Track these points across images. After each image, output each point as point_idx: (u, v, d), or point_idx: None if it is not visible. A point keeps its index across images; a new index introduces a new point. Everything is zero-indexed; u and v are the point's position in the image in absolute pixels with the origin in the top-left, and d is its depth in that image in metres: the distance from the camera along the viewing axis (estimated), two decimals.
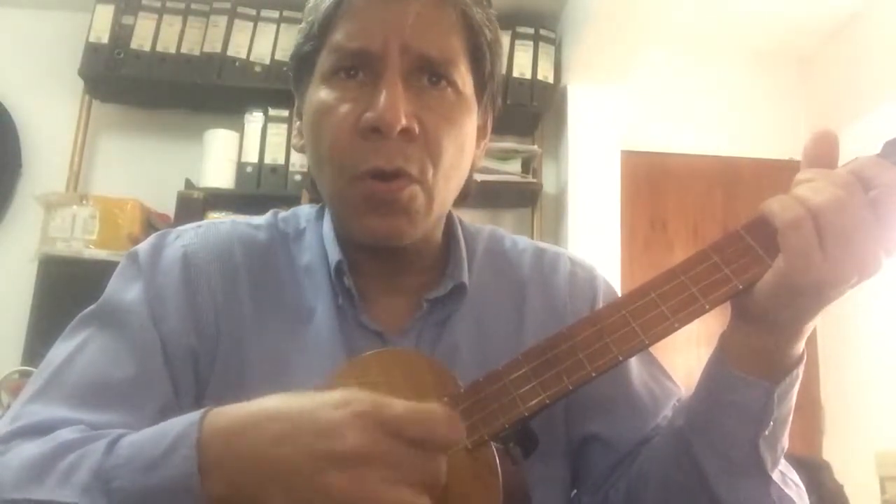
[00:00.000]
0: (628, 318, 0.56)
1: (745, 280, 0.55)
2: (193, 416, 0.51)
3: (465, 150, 0.71)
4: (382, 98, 0.64)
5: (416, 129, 0.65)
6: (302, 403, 0.48)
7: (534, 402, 0.56)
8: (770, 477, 0.60)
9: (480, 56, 0.71)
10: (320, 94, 0.68)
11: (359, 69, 0.67)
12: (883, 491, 2.32)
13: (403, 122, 0.64)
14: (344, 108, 0.66)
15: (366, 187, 0.66)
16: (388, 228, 0.67)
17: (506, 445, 0.57)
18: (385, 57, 0.65)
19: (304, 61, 0.71)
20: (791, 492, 0.62)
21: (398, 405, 0.47)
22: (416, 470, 0.46)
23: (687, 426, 0.62)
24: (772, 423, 0.58)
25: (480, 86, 0.72)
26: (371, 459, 0.45)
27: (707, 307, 0.55)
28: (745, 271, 0.55)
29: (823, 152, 0.56)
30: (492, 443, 0.55)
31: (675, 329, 0.55)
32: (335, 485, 0.45)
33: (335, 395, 0.48)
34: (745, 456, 0.59)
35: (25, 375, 2.09)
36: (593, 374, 0.55)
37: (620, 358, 0.55)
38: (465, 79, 0.69)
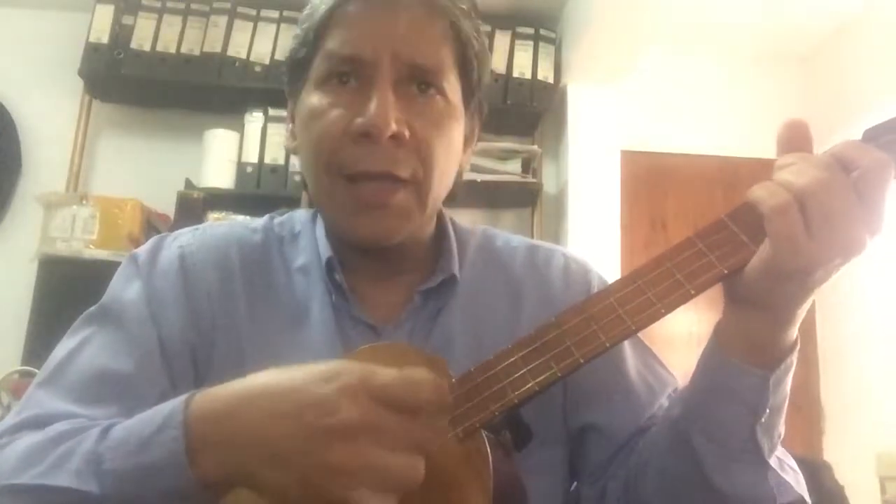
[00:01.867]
0: (615, 306, 0.57)
1: (729, 265, 0.55)
2: (181, 398, 0.52)
3: (453, 155, 0.73)
4: (373, 104, 0.66)
5: (406, 134, 0.67)
6: (290, 379, 0.49)
7: (523, 389, 0.56)
8: (767, 463, 0.61)
9: (468, 66, 0.73)
10: (313, 98, 0.70)
11: (350, 76, 0.69)
12: (883, 491, 2.32)
13: (394, 127, 0.66)
14: (335, 112, 0.68)
15: (356, 190, 0.68)
16: (378, 230, 0.69)
17: (497, 435, 0.58)
18: (376, 64, 0.67)
19: (298, 66, 0.73)
20: (789, 477, 0.63)
21: (385, 374, 0.48)
22: (408, 435, 0.47)
23: (683, 416, 0.63)
24: (768, 410, 0.59)
25: (468, 95, 0.74)
26: (365, 429, 0.46)
27: (693, 292, 0.55)
28: (730, 257, 0.55)
29: (797, 138, 0.58)
30: (483, 431, 0.56)
31: (662, 315, 0.56)
32: (333, 457, 0.46)
33: (323, 369, 0.49)
34: (742, 443, 0.60)
35: (25, 375, 2.09)
36: (581, 361, 0.56)
37: (608, 344, 0.56)
38: (453, 87, 0.72)
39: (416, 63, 0.68)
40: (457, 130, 0.73)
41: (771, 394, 0.59)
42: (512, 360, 0.58)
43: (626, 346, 0.76)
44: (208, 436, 0.49)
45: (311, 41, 0.71)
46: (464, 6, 0.73)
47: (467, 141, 0.77)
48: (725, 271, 0.55)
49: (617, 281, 0.59)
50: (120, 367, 0.65)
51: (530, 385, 0.56)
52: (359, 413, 0.46)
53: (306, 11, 0.73)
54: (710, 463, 0.61)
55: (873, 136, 0.56)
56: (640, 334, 0.78)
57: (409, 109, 0.68)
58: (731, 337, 0.60)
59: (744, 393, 0.59)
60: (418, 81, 0.69)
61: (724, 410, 0.60)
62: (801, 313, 0.58)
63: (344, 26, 0.69)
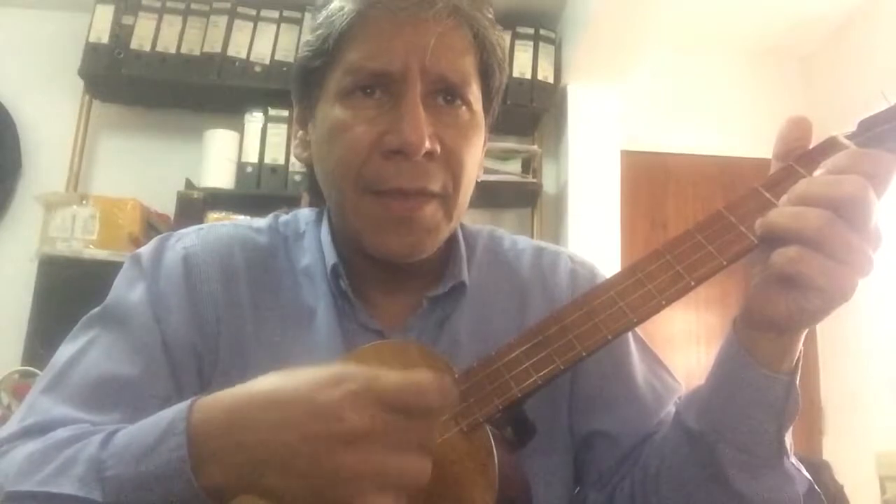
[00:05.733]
0: (616, 299, 0.57)
1: (728, 257, 0.55)
2: (183, 404, 0.52)
3: (477, 164, 0.73)
4: (406, 121, 0.65)
5: (438, 150, 0.67)
6: (295, 384, 0.49)
7: (526, 383, 0.57)
8: (791, 464, 0.62)
9: (491, 74, 0.73)
10: (336, 111, 0.69)
11: (376, 88, 0.67)
12: (883, 491, 2.32)
13: (427, 145, 0.65)
14: (362, 126, 0.67)
15: (386, 205, 0.67)
16: (408, 246, 0.69)
17: (501, 430, 0.58)
18: (405, 79, 0.66)
19: (312, 75, 0.72)
20: (804, 472, 0.63)
21: (390, 377, 0.48)
22: (415, 436, 0.48)
23: (708, 428, 0.61)
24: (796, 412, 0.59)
25: (487, 101, 0.74)
26: (372, 435, 0.46)
27: (693, 284, 0.55)
28: (729, 248, 0.55)
29: (799, 136, 0.57)
30: (487, 426, 0.56)
31: (663, 307, 0.56)
32: (344, 464, 0.46)
33: (328, 373, 0.49)
34: (770, 450, 0.60)
35: (25, 375, 2.09)
36: (584, 354, 0.56)
37: (610, 337, 0.56)
38: (476, 97, 0.71)
39: (444, 77, 0.68)
40: (480, 138, 0.73)
41: (796, 396, 0.59)
42: (514, 354, 0.58)
43: (634, 352, 0.76)
44: (212, 443, 0.49)
45: (330, 51, 0.69)
46: (490, 15, 0.72)
47: (483, 145, 0.77)
48: (724, 262, 0.55)
49: (617, 274, 0.59)
50: (124, 372, 0.64)
51: (533, 379, 0.57)
52: (365, 420, 0.46)
53: (321, 19, 0.70)
54: (739, 472, 0.60)
55: (868, 126, 0.56)
56: (642, 337, 0.79)
57: (438, 122, 0.67)
58: (760, 354, 0.58)
59: (773, 401, 0.58)
60: (444, 94, 0.68)
61: (753, 420, 0.59)
62: None
63: (368, 38, 0.67)
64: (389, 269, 0.72)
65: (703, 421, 0.62)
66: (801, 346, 0.59)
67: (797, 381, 0.58)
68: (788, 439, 0.61)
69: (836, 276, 0.51)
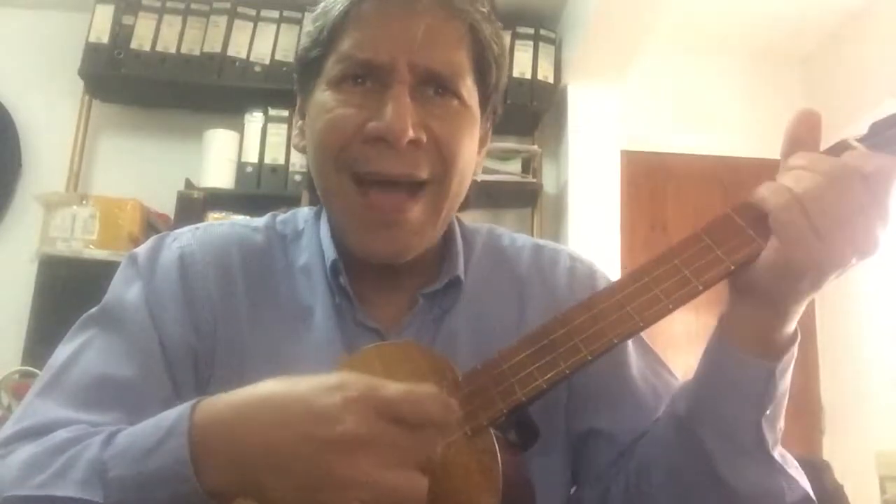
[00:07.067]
0: (622, 302, 0.57)
1: (737, 260, 0.55)
2: (186, 405, 0.52)
3: (470, 158, 0.72)
4: (390, 109, 0.65)
5: (425, 138, 0.66)
6: (296, 389, 0.49)
7: (531, 387, 0.56)
8: (773, 457, 0.61)
9: (486, 69, 0.72)
10: (325, 96, 0.69)
11: (366, 78, 0.68)
12: (883, 491, 2.32)
13: (411, 133, 0.65)
14: (348, 110, 0.67)
15: (370, 203, 0.67)
16: (391, 248, 0.68)
17: (505, 434, 0.58)
18: (392, 69, 0.66)
19: (310, 65, 0.72)
20: (793, 472, 0.63)
21: (391, 388, 0.48)
22: (412, 451, 0.47)
23: (690, 412, 0.62)
24: (773, 402, 0.59)
25: (484, 98, 0.73)
26: (368, 443, 0.46)
27: (701, 288, 0.55)
28: (737, 252, 0.55)
29: (806, 130, 0.58)
30: (491, 429, 0.56)
31: (670, 311, 0.55)
32: (334, 470, 0.46)
33: (329, 380, 0.49)
34: (749, 437, 0.60)
35: (25, 375, 2.09)
36: (589, 358, 0.56)
37: (616, 341, 0.56)
38: (470, 91, 0.70)
39: (433, 69, 0.67)
40: (473, 133, 0.72)
41: (775, 386, 0.59)
42: (519, 357, 0.58)
43: (631, 350, 0.76)
44: (213, 444, 0.49)
45: (325, 41, 0.70)
46: (484, 9, 0.71)
47: (481, 142, 0.76)
48: (733, 266, 0.55)
49: (623, 278, 0.58)
50: (121, 372, 0.64)
51: (538, 383, 0.56)
52: (361, 426, 0.46)
53: (319, 10, 0.72)
54: (720, 458, 0.61)
55: (879, 129, 0.57)
56: (643, 337, 0.78)
57: (426, 113, 0.67)
58: (736, 329, 0.59)
59: (750, 385, 0.59)
60: (435, 86, 0.68)
61: (731, 404, 0.60)
62: (803, 308, 0.58)
63: (359, 28, 0.68)
64: (385, 266, 0.72)
65: (690, 407, 0.62)
66: (787, 334, 0.59)
67: (776, 371, 0.58)
68: (772, 433, 0.61)
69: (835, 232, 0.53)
